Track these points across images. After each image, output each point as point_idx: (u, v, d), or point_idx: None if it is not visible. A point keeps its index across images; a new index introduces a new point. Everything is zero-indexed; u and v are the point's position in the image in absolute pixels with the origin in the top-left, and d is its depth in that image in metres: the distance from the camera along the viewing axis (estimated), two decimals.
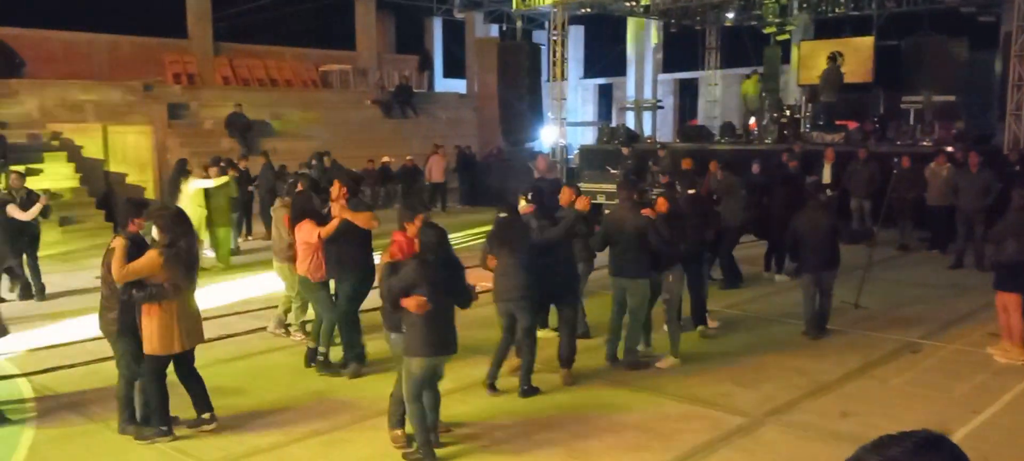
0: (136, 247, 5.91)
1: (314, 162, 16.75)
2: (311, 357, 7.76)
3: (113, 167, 20.22)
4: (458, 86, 31.15)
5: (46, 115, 19.99)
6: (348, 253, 7.49)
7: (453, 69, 32.12)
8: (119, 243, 5.83)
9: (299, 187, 8.26)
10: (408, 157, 22.67)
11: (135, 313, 5.93)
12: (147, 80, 22.77)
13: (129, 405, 6.15)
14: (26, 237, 10.75)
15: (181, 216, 6.26)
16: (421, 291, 5.46)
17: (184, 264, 5.91)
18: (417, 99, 27.60)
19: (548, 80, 24.78)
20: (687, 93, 32.23)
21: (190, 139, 21.43)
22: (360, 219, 7.40)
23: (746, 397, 7.01)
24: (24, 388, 7.28)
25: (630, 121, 26.53)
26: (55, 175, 18.20)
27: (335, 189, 8.05)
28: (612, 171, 16.58)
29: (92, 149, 20.07)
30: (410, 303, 5.45)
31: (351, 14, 28.85)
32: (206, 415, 6.23)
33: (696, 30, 27.44)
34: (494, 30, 30.43)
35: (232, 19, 25.60)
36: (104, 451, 5.95)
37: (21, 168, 14.35)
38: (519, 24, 26.02)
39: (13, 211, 10.35)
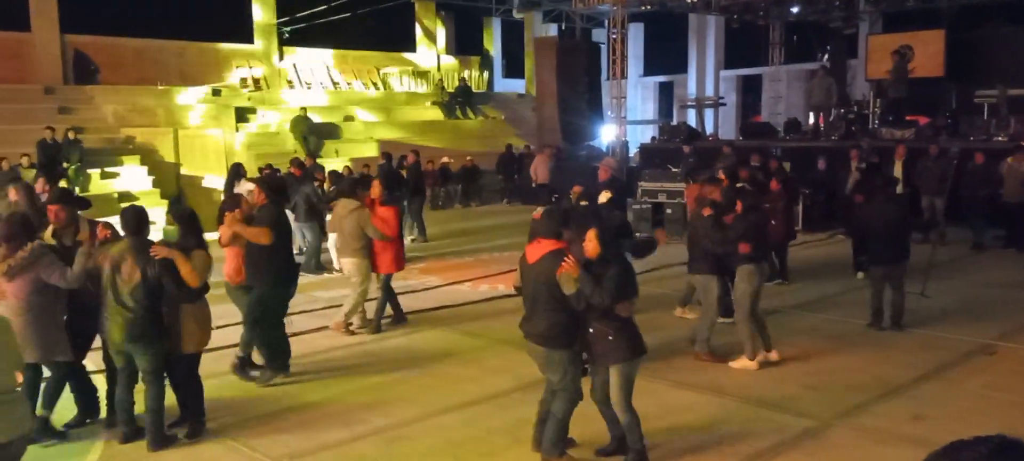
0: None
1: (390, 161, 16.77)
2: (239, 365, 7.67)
3: (185, 169, 20.79)
4: (517, 86, 31.22)
5: (120, 120, 20.68)
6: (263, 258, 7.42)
7: (512, 69, 32.19)
8: (173, 253, 5.97)
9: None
10: (468, 157, 22.82)
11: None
12: (216, 85, 23.40)
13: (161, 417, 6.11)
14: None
15: (194, 217, 6.39)
16: (630, 293, 5.42)
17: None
18: (476, 99, 27.75)
19: (607, 78, 24.66)
20: (750, 89, 31.69)
21: (256, 142, 21.94)
22: (250, 234, 7.33)
23: (813, 399, 6.86)
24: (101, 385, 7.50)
25: (691, 119, 26.21)
26: (130, 178, 18.82)
27: (376, 189, 8.37)
28: (673, 169, 16.40)
29: (164, 152, 20.68)
30: (626, 308, 5.38)
31: (412, 16, 29.16)
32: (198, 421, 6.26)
33: (759, 25, 26.95)
34: (553, 29, 30.39)
35: (296, 24, 26.09)
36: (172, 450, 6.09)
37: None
38: (578, 23, 25.94)
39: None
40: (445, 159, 22.28)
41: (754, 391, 7.06)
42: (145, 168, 19.44)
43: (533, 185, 20.61)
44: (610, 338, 5.37)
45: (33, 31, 21.50)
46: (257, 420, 6.54)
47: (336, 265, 12.41)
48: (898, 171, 14.31)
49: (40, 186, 11.31)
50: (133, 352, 5.84)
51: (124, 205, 8.02)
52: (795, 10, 24.68)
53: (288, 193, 7.84)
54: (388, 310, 9.43)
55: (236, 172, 14.23)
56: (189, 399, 6.24)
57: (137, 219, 5.93)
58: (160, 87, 22.38)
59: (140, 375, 5.98)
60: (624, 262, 5.55)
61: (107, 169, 18.58)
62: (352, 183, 9.42)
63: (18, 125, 18.66)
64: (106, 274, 5.77)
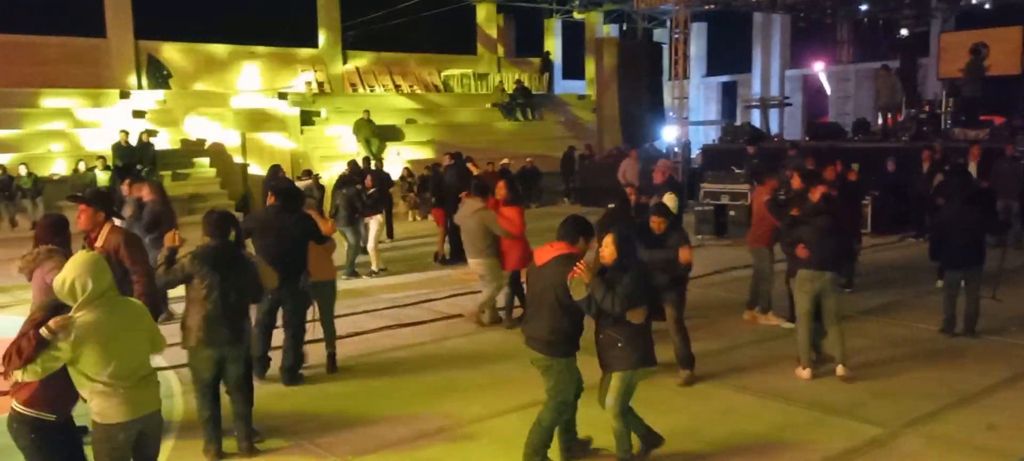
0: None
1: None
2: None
3: (251, 171, 21.28)
4: (578, 87, 31.15)
5: (189, 123, 21.27)
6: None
7: (573, 70, 32.14)
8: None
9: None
10: (528, 159, 22.86)
11: None
12: (281, 88, 23.91)
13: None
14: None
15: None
16: (643, 302, 5.31)
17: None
18: (536, 100, 27.77)
19: (669, 79, 24.43)
20: (816, 89, 31.06)
21: (320, 144, 22.33)
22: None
23: (882, 406, 6.68)
24: (173, 381, 7.73)
25: (755, 119, 25.80)
26: (199, 179, 19.36)
27: (501, 189, 9.07)
28: (737, 171, 16.17)
29: (232, 154, 21.21)
30: (637, 315, 5.29)
31: (472, 19, 29.33)
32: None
33: (826, 23, 26.39)
34: (615, 30, 30.25)
35: (360, 28, 26.51)
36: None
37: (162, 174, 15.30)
38: (640, 23, 25.76)
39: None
40: (505, 160, 22.31)
41: (821, 397, 6.91)
42: (214, 170, 19.96)
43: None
44: (619, 345, 5.32)
45: (109, 37, 22.29)
46: (321, 419, 6.65)
47: (373, 266, 12.61)
48: (972, 172, 13.87)
49: (124, 188, 11.69)
50: (237, 358, 5.78)
51: (208, 208, 8.17)
52: (864, 8, 24.09)
53: (302, 200, 7.85)
54: (517, 304, 9.44)
55: (273, 175, 14.17)
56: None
57: (224, 223, 5.87)
58: (228, 91, 22.95)
59: (230, 383, 5.84)
60: (641, 269, 5.47)
61: (178, 171, 19.14)
62: (480, 185, 9.52)
63: (95, 129, 19.34)
64: (212, 279, 5.60)
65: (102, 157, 17.51)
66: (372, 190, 13.03)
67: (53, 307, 4.11)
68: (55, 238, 5.84)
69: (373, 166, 17.45)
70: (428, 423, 6.53)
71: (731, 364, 7.82)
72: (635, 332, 5.30)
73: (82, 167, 17.10)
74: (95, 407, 4.11)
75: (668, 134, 23.35)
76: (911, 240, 14.37)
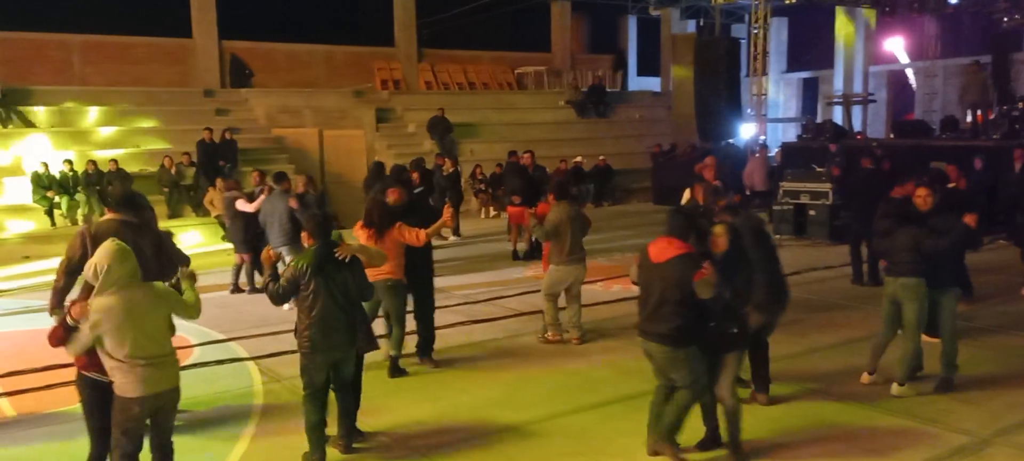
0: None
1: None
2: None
3: (328, 168, 21.70)
4: (653, 84, 30.81)
5: (271, 121, 21.79)
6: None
7: (648, 67, 31.79)
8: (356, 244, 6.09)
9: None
10: (601, 157, 22.71)
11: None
12: (358, 87, 24.30)
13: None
14: (258, 229, 11.29)
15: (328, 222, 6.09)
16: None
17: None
18: (610, 98, 27.57)
19: (748, 75, 23.95)
20: (902, 86, 30.02)
21: (395, 141, 22.61)
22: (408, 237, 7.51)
23: (970, 414, 6.41)
24: (254, 373, 7.92)
25: (837, 116, 25.09)
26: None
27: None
28: (818, 169, 15.72)
29: (311, 151, 21.65)
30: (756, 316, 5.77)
31: (546, 16, 29.29)
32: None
33: (913, 17, 25.47)
34: (691, 26, 29.80)
35: (434, 26, 26.75)
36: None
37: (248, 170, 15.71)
38: (718, 18, 25.31)
39: (241, 204, 11.28)
40: (578, 159, 22.25)
41: (906, 404, 6.66)
42: (293, 167, 20.40)
43: (748, 192, 18.37)
44: (735, 331, 5.53)
45: (194, 37, 23.02)
46: (394, 412, 6.72)
47: None
48: None
49: (219, 186, 12.15)
50: (349, 358, 5.82)
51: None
52: (953, 1, 23.16)
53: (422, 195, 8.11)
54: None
55: (378, 171, 14.27)
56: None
57: (327, 224, 5.91)
58: (308, 89, 23.44)
59: (340, 381, 5.81)
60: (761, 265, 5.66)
61: (259, 167, 19.61)
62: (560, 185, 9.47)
63: (180, 126, 20.00)
64: (317, 283, 5.57)
65: (187, 153, 18.06)
66: (420, 188, 12.84)
67: (88, 289, 4.60)
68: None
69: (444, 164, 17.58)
70: (499, 420, 6.54)
71: (812, 368, 7.61)
72: (744, 317, 5.67)
73: (168, 163, 17.68)
74: (114, 381, 4.56)
75: (746, 131, 22.89)
76: (1002, 243, 13.74)
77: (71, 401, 6.89)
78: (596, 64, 29.98)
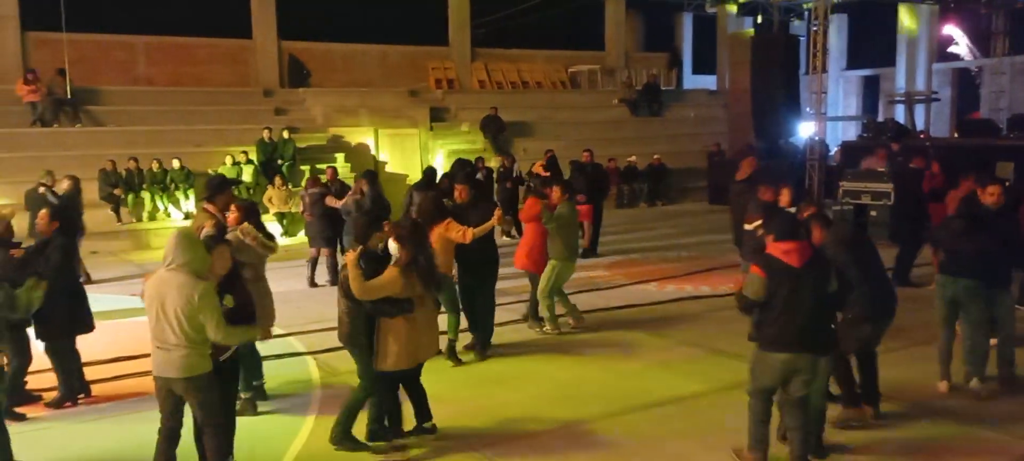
0: (372, 261, 5.76)
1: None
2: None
3: (383, 167, 21.91)
4: (708, 82, 30.45)
5: (327, 120, 22.11)
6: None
7: (703, 65, 31.43)
8: (350, 258, 5.62)
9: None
10: (655, 156, 22.52)
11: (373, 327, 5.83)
12: (413, 86, 24.51)
13: (351, 418, 5.97)
14: (340, 225, 11.97)
15: (419, 229, 6.17)
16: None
17: (423, 278, 5.79)
18: (665, 97, 27.33)
19: (806, 73, 23.50)
20: (967, 84, 29.16)
21: (449, 140, 22.75)
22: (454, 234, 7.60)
23: None
24: (312, 368, 8.05)
25: (899, 115, 24.48)
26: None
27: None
28: (879, 169, 15.36)
29: (366, 150, 21.91)
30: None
31: (601, 14, 29.14)
32: (428, 424, 6.12)
33: (980, 13, 24.72)
34: (748, 23, 29.37)
35: (488, 26, 26.82)
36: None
37: (318, 167, 15.95)
38: (776, 15, 24.89)
39: (331, 200, 11.74)
40: (631, 158, 22.10)
41: (974, 408, 6.48)
42: (349, 166, 20.66)
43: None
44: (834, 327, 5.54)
45: (254, 38, 23.47)
46: (449, 409, 6.75)
47: None
48: None
49: (277, 183, 12.56)
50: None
51: None
52: None
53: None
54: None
55: (430, 177, 14.14)
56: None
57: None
58: (363, 88, 23.72)
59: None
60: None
61: (316, 166, 19.92)
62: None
63: (240, 125, 20.40)
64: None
65: (245, 151, 18.42)
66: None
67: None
68: (250, 219, 6.62)
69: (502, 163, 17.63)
70: (553, 419, 6.54)
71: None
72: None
73: (229, 162, 18.05)
74: None
75: (804, 130, 22.47)
76: None
77: (141, 390, 7.10)
78: (650, 62, 29.73)
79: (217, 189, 7.00)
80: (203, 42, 23.08)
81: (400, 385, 6.01)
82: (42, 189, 12.15)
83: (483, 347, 8.18)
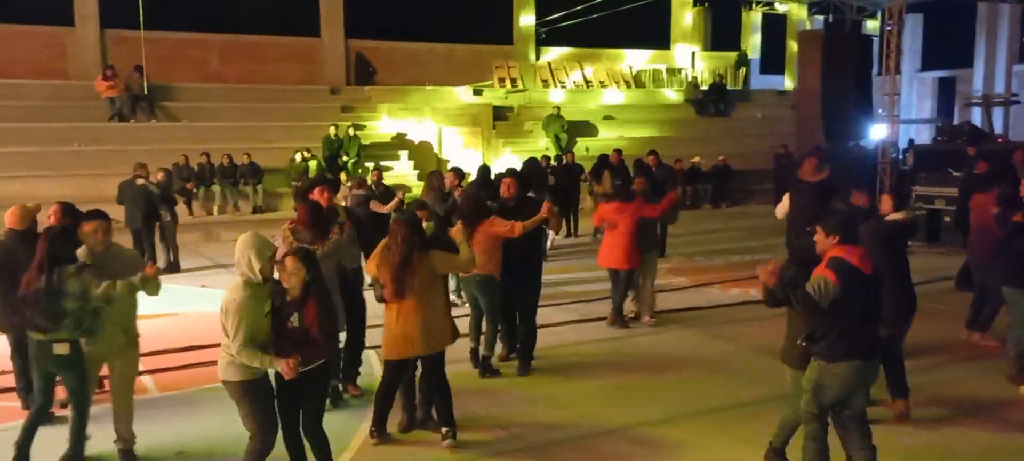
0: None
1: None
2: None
3: (446, 165, 22.07)
4: (777, 83, 29.91)
5: (392, 117, 22.39)
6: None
7: (772, 65, 30.88)
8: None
9: None
10: (720, 157, 22.21)
11: None
12: (477, 84, 24.64)
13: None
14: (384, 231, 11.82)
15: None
16: None
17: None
18: (732, 97, 26.93)
19: (879, 74, 22.88)
20: None
21: (512, 139, 22.81)
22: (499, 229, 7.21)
23: None
24: (374, 362, 8.15)
25: (976, 118, 23.65)
26: (399, 172, 20.31)
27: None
28: (954, 173, 14.86)
29: (429, 148, 22.13)
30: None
31: (667, 13, 28.85)
32: (444, 429, 6.01)
33: None
34: (819, 22, 28.71)
35: (553, 24, 26.79)
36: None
37: (372, 165, 16.18)
38: (848, 14, 24.28)
39: (375, 206, 11.63)
40: (696, 158, 21.84)
41: None
42: (412, 163, 20.89)
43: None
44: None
45: (322, 37, 23.89)
46: (506, 408, 6.78)
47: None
48: None
49: (343, 180, 12.41)
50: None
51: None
52: None
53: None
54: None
55: (485, 174, 14.17)
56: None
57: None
58: (428, 87, 23.94)
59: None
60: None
61: (380, 163, 20.19)
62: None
63: (307, 122, 20.81)
64: None
65: (308, 149, 18.75)
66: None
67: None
68: (317, 221, 6.33)
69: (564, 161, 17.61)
70: (611, 420, 6.50)
71: (942, 383, 7.21)
72: None
73: (297, 158, 18.42)
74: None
75: (876, 133, 21.89)
76: None
77: (209, 380, 7.28)
78: (717, 61, 29.33)
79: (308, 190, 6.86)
80: (273, 40, 23.61)
81: (408, 380, 6.12)
82: (141, 181, 12.61)
83: (526, 358, 7.65)
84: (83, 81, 20.34)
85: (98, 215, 5.71)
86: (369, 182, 12.71)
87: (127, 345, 5.72)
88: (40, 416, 5.54)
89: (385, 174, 19.62)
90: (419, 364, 6.02)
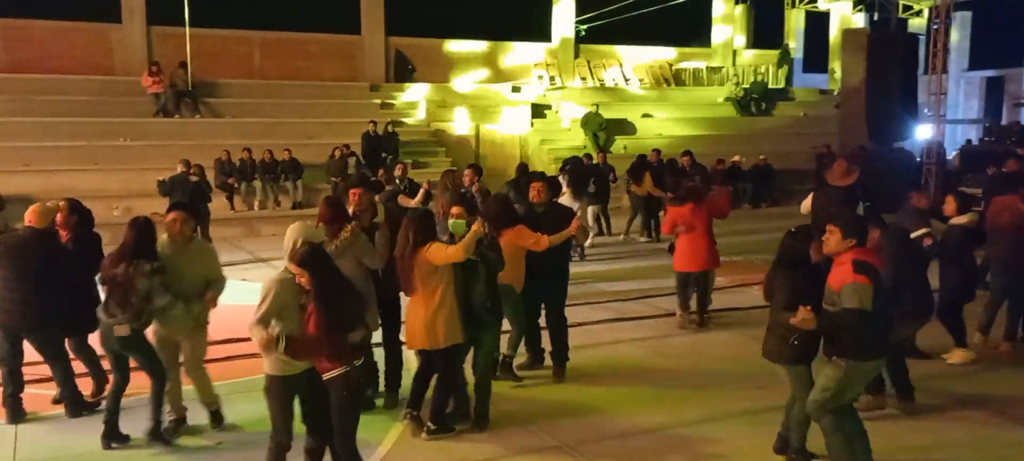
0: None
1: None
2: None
3: (483, 163, 22.09)
4: (820, 81, 29.49)
5: (430, 114, 22.49)
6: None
7: (814, 63, 30.46)
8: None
9: None
10: (761, 156, 21.94)
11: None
12: (514, 82, 24.64)
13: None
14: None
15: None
16: None
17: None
18: (773, 95, 26.60)
19: (925, 73, 22.45)
20: None
21: (549, 136, 22.77)
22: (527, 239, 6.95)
23: None
24: (409, 356, 8.17)
25: None
26: (437, 168, 20.35)
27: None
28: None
29: (467, 145, 22.19)
30: None
31: (708, 10, 28.59)
32: (430, 422, 6.10)
33: None
34: (862, 20, 28.26)
35: (592, 21, 26.69)
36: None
37: (409, 161, 16.27)
38: (894, 12, 23.87)
39: (403, 200, 11.71)
40: (736, 157, 21.60)
41: None
42: (450, 159, 20.95)
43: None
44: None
45: (363, 34, 24.06)
46: (540, 406, 6.77)
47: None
48: None
49: (399, 171, 12.48)
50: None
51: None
52: None
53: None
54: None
55: (524, 171, 13.78)
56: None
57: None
58: (466, 84, 24.01)
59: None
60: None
61: (418, 159, 20.29)
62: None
63: (347, 119, 20.98)
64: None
65: (346, 145, 18.88)
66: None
67: None
68: (338, 217, 6.29)
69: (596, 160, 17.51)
70: (648, 419, 6.47)
71: (978, 383, 7.05)
72: None
73: (337, 154, 18.56)
74: None
75: (921, 133, 21.47)
76: None
77: (246, 373, 7.37)
78: (759, 60, 28.99)
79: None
80: (314, 38, 23.83)
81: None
82: (195, 177, 12.98)
83: (560, 365, 7.44)
84: (129, 77, 20.72)
85: (180, 207, 6.16)
86: (395, 176, 12.53)
87: (195, 329, 6.10)
88: (119, 391, 5.95)
89: (424, 171, 19.74)
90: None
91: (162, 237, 5.93)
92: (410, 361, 6.65)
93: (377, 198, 9.48)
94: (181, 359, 6.21)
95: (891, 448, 5.67)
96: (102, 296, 5.88)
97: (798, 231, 5.54)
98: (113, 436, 5.91)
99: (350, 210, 6.53)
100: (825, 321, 4.97)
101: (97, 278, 5.90)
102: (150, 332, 5.95)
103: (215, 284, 6.15)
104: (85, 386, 6.73)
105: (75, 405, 6.56)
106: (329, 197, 6.77)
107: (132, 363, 6.01)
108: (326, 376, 4.77)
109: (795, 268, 5.27)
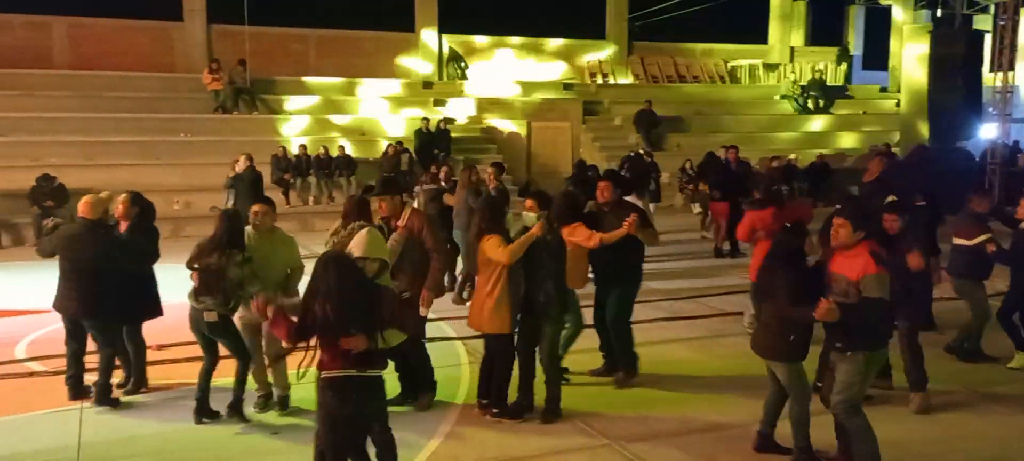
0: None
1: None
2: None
3: (534, 160, 22.11)
4: (880, 79, 28.81)
5: (482, 111, 22.55)
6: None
7: (874, 61, 29.75)
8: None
9: None
10: (817, 154, 21.55)
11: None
12: (567, 79, 24.59)
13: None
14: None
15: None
16: None
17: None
18: (832, 93, 26.11)
19: (991, 71, 21.79)
20: None
21: (601, 134, 22.67)
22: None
23: None
24: (461, 352, 8.24)
25: None
26: (488, 165, 20.40)
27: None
28: None
29: (518, 142, 22.20)
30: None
31: (765, 6, 28.15)
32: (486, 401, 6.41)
33: None
34: (925, 17, 27.52)
35: (646, 18, 26.45)
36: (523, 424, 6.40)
37: (461, 158, 16.32)
38: (958, 8, 23.20)
39: (448, 198, 11.66)
40: (792, 156, 21.24)
41: None
42: (500, 157, 20.98)
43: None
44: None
45: (417, 31, 24.24)
46: (592, 404, 6.76)
47: None
48: None
49: (443, 173, 12.43)
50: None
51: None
52: None
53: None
54: None
55: (583, 168, 13.66)
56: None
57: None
58: (517, 81, 24.02)
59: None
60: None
61: (470, 156, 20.39)
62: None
63: (401, 115, 21.17)
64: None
65: (400, 141, 19.04)
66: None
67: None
68: (361, 216, 6.31)
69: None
70: (699, 419, 6.44)
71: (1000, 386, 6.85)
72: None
73: (390, 150, 18.75)
74: None
75: (986, 132, 20.86)
76: None
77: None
78: (817, 56, 28.43)
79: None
80: (369, 35, 24.08)
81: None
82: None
83: (627, 374, 7.23)
84: (190, 74, 21.18)
85: (264, 199, 6.68)
86: (440, 178, 12.26)
87: None
88: (209, 371, 6.31)
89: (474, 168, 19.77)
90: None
91: (247, 228, 6.33)
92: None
93: (418, 195, 9.68)
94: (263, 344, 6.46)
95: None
96: (192, 283, 6.18)
97: (792, 227, 5.55)
98: (204, 412, 6.28)
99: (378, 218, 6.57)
100: (849, 313, 4.93)
101: (185, 265, 6.20)
102: (236, 317, 6.27)
103: (296, 271, 6.53)
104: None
105: (104, 393, 6.62)
106: (355, 196, 7.14)
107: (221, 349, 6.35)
108: (325, 374, 4.45)
109: (793, 263, 5.22)
